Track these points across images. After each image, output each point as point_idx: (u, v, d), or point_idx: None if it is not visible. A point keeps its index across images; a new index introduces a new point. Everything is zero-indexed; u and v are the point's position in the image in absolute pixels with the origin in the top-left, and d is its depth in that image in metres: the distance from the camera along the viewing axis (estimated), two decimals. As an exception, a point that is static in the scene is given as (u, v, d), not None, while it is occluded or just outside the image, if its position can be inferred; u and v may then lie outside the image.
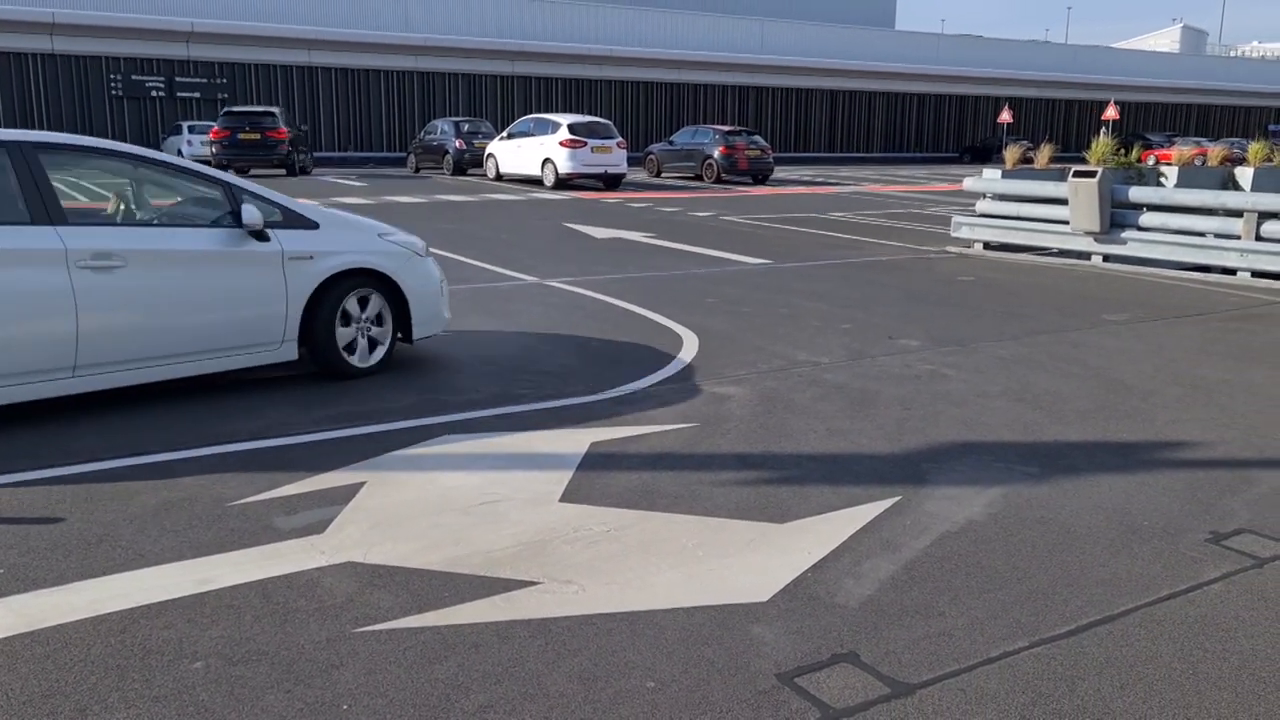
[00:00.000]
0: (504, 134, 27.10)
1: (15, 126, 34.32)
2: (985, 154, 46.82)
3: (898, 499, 4.42)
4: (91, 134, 35.38)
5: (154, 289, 5.40)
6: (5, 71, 34.12)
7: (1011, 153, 14.85)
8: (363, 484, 4.48)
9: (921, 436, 5.35)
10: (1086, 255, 12.43)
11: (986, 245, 13.53)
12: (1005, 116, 41.84)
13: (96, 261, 5.20)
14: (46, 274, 5.06)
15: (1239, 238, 11.08)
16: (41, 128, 34.76)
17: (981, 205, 13.77)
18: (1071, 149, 46.90)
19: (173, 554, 3.74)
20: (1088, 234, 12.23)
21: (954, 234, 13.95)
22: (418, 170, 30.55)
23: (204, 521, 4.04)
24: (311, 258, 5.98)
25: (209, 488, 4.42)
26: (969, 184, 14.23)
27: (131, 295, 5.32)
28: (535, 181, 25.02)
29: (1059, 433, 5.47)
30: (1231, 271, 11.25)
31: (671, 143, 30.69)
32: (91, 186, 20.88)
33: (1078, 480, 4.71)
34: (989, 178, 13.73)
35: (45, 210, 5.19)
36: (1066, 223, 12.41)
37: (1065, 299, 9.85)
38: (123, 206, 5.83)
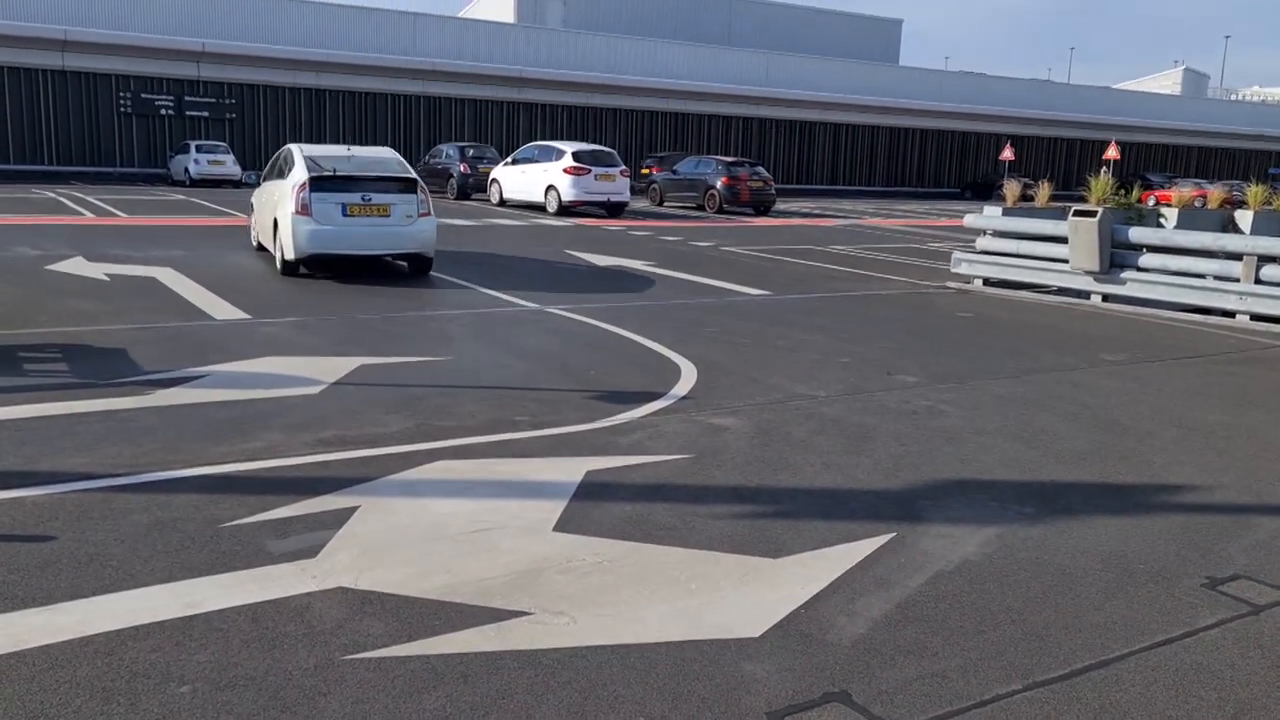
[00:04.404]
0: (508, 159, 27.23)
1: (25, 142, 34.49)
2: (986, 190, 46.97)
3: (892, 536, 4.40)
4: (100, 151, 35.58)
5: None
6: (16, 87, 34.30)
7: (1012, 190, 14.94)
8: (356, 508, 4.46)
9: (917, 473, 5.34)
10: (1086, 294, 12.46)
11: (986, 282, 13.56)
12: (1007, 154, 42.04)
13: None
14: None
15: (1238, 280, 11.11)
16: (51, 143, 34.94)
17: (982, 242, 13.82)
18: (1072, 187, 47.10)
19: (163, 575, 3.72)
20: (1087, 273, 12.26)
21: (954, 270, 13.98)
22: (421, 194, 30.63)
23: (196, 543, 4.02)
24: None
25: (202, 508, 4.40)
26: (969, 220, 14.29)
27: None
28: (538, 207, 25.11)
29: (1055, 472, 5.46)
30: (1230, 314, 11.27)
31: (675, 172, 30.82)
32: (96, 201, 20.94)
33: (1074, 521, 4.70)
34: (989, 215, 13.79)
35: None
36: (1066, 261, 12.45)
37: (1064, 338, 9.86)
38: None
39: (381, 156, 13.13)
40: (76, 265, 12.01)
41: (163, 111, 36.58)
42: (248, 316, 9.16)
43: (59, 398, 6.10)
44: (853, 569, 4.02)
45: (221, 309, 9.47)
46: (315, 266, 12.20)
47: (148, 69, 35.94)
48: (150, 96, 36.29)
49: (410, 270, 12.77)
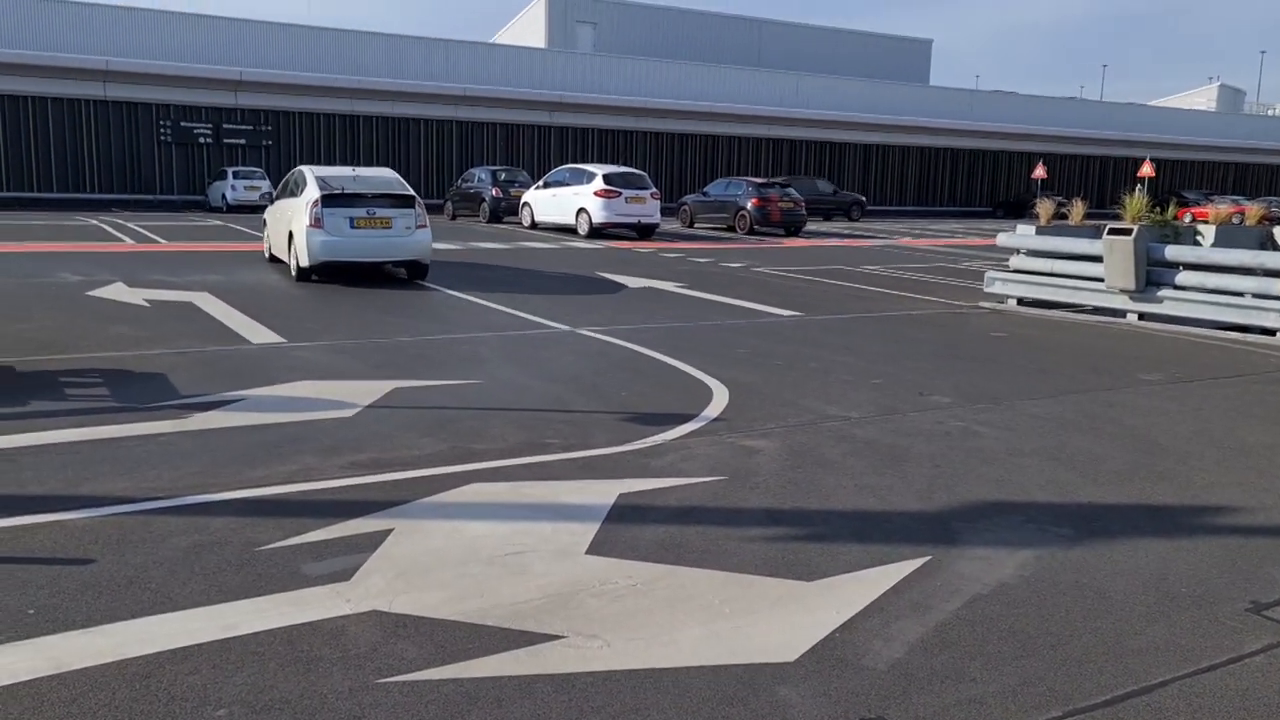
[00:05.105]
0: (540, 183, 27.41)
1: (68, 170, 35.21)
2: (1019, 209, 46.65)
3: (928, 559, 4.36)
4: (140, 179, 36.24)
5: None
6: (60, 117, 35.05)
7: (1045, 208, 14.82)
8: (390, 531, 4.48)
9: (953, 495, 5.29)
10: (1122, 313, 12.32)
11: (1020, 301, 13.45)
12: (1040, 172, 41.72)
13: None
14: None
15: (1278, 298, 10.94)
16: (93, 172, 35.63)
17: (1015, 261, 13.71)
18: (1106, 205, 46.69)
19: (201, 598, 3.75)
20: (1123, 292, 12.13)
21: (987, 289, 13.88)
22: (454, 217, 30.92)
23: (233, 566, 4.06)
24: None
25: (239, 531, 4.44)
26: (1002, 240, 14.19)
27: None
28: (569, 230, 25.24)
29: (1094, 494, 5.39)
30: (1271, 332, 11.10)
31: (705, 194, 30.91)
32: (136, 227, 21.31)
33: (1113, 544, 4.63)
34: (1023, 233, 13.69)
35: None
36: (1101, 280, 12.32)
37: (1100, 357, 9.75)
38: None
39: (384, 176, 14.78)
40: (117, 291, 12.21)
41: (201, 139, 37.20)
42: (283, 341, 9.27)
43: (100, 422, 6.20)
44: (888, 592, 3.99)
45: (257, 333, 9.59)
46: (325, 273, 13.75)
47: (187, 98, 36.61)
48: (189, 125, 36.94)
49: (408, 275, 14.37)
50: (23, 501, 4.75)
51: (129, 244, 19.33)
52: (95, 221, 25.34)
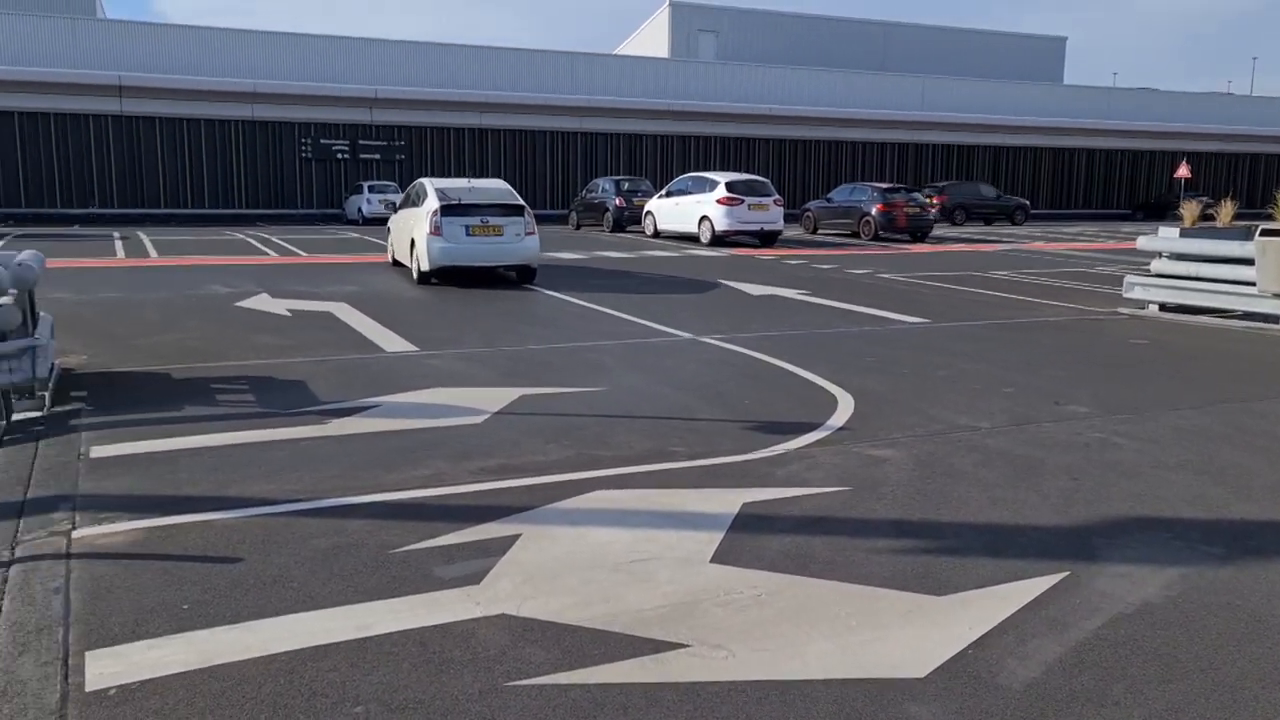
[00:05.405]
0: (662, 192, 27.56)
1: (218, 187, 37.23)
2: (1160, 211, 44.61)
3: (1065, 575, 4.20)
4: (283, 194, 38.05)
5: None
6: (211, 137, 37.15)
7: (1190, 209, 14.16)
8: (518, 536, 4.57)
9: (1091, 509, 5.08)
10: (1275, 318, 11.63)
11: (1162, 307, 12.84)
12: (1183, 171, 39.80)
13: None
14: None
15: None
16: (240, 188, 37.58)
17: (1156, 265, 13.10)
18: (1257, 205, 44.20)
19: (339, 598, 3.90)
20: (1276, 296, 11.45)
21: (1126, 294, 13.30)
22: (579, 227, 31.37)
23: (369, 567, 4.21)
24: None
25: (374, 534, 4.60)
26: (1143, 243, 13.58)
27: None
28: (692, 238, 25.29)
29: (1245, 510, 5.10)
30: None
31: (829, 200, 30.57)
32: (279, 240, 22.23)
33: (1268, 563, 4.37)
34: (1165, 236, 13.07)
35: None
36: (1252, 284, 11.66)
37: (1250, 365, 9.22)
38: None
39: (496, 187, 16.02)
40: (262, 301, 12.82)
41: (339, 155, 38.83)
42: (416, 349, 9.56)
43: (246, 426, 6.52)
44: (1023, 609, 3.86)
45: (391, 341, 9.92)
46: (442, 276, 15.01)
47: (326, 116, 38.29)
48: (328, 142, 38.62)
49: (518, 278, 15.54)
50: (178, 502, 5.04)
51: (272, 257, 20.27)
52: (242, 235, 26.67)
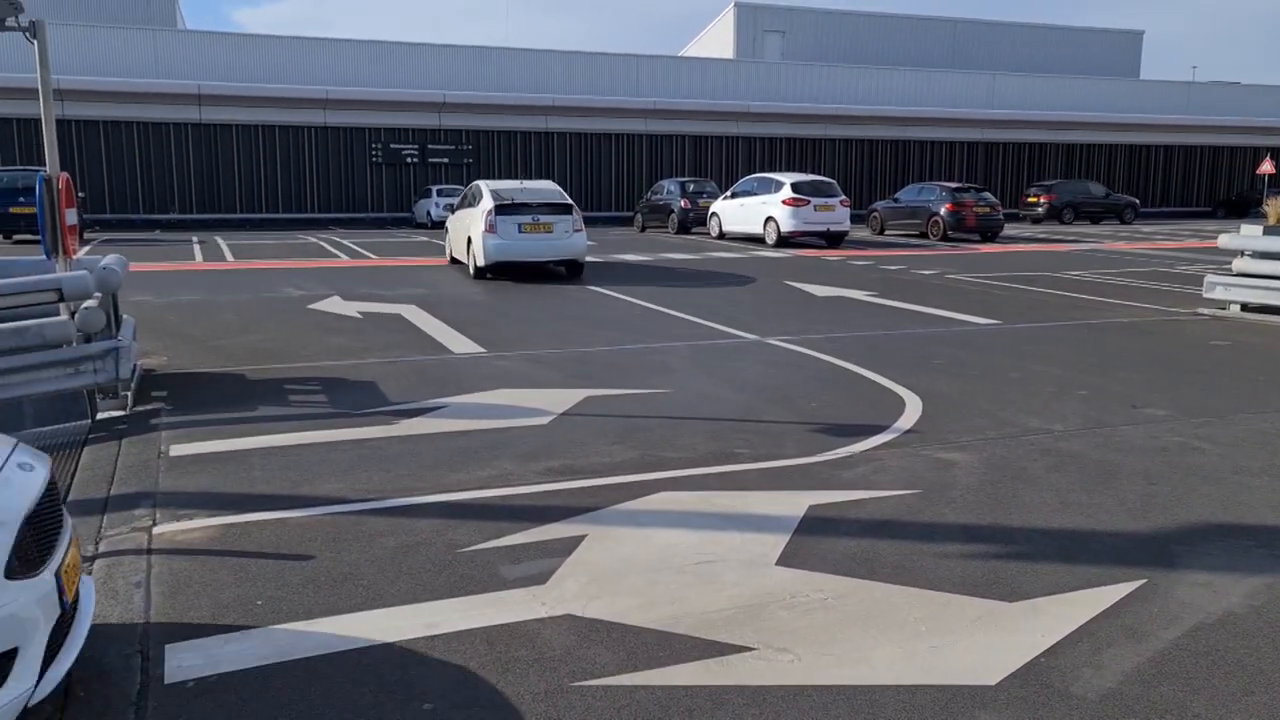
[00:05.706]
0: (727, 193, 27.46)
1: (291, 192, 38.07)
2: (1242, 208, 43.19)
3: (1143, 582, 4.09)
4: (354, 199, 38.79)
5: None
6: (285, 143, 38.00)
7: (1273, 206, 13.68)
8: (583, 537, 4.59)
9: (1170, 515, 4.94)
10: (1368, 319, 11.19)
11: (1244, 307, 12.44)
12: (1266, 167, 38.46)
13: None
14: None
15: None
16: (313, 193, 38.37)
17: (1239, 264, 12.69)
18: (1348, 201, 42.45)
19: (407, 596, 3.96)
20: (1369, 296, 11.01)
21: (1207, 294, 12.91)
22: (644, 229, 31.40)
23: (436, 566, 4.26)
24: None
25: (442, 533, 4.66)
26: (1225, 241, 13.16)
27: None
28: (757, 240, 25.16)
29: (1335, 518, 4.91)
30: None
31: (896, 200, 30.18)
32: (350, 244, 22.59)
33: (1359, 574, 4.20)
34: (1248, 234, 12.66)
35: None
36: (1343, 283, 11.23)
37: (1342, 368, 8.88)
38: None
39: (547, 187, 17.28)
40: (334, 304, 13.07)
41: (408, 160, 39.40)
42: (483, 351, 9.66)
43: (318, 426, 6.65)
44: (1098, 616, 3.76)
45: (459, 343, 10.03)
46: (496, 271, 16.12)
47: (395, 121, 38.88)
48: (398, 146, 39.22)
49: (567, 273, 16.60)
50: (253, 500, 5.15)
51: (344, 260, 20.64)
52: (314, 239, 27.21)
